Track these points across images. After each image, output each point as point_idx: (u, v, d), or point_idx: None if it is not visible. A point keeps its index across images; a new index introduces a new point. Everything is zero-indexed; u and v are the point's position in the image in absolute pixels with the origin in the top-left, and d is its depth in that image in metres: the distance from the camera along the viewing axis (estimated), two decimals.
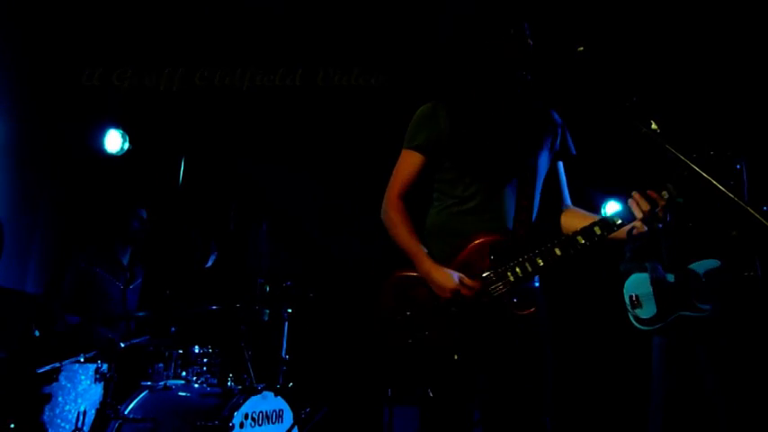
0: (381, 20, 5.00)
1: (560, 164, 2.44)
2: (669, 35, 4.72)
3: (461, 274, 2.12)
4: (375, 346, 2.30)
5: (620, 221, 2.05)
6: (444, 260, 2.20)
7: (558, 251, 2.07)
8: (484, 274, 2.12)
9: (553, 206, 2.42)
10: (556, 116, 2.42)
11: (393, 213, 2.32)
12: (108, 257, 4.40)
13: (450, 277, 2.11)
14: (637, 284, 4.11)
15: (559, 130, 2.41)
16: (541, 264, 2.09)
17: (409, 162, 2.36)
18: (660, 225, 2.01)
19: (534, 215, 2.29)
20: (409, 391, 4.10)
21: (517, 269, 2.10)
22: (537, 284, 2.22)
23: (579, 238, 2.07)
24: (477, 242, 2.18)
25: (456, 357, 2.09)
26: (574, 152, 2.43)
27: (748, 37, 4.60)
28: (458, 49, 2.38)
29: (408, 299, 2.23)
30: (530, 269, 2.09)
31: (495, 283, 2.11)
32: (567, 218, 2.38)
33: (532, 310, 2.10)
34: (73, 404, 3.51)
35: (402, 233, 2.27)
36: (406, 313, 2.21)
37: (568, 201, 2.46)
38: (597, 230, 2.06)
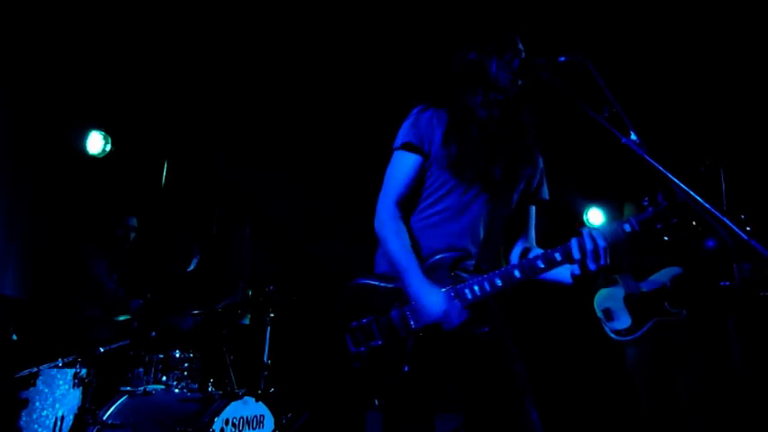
0: (369, 23, 5.01)
1: (533, 208, 2.38)
2: (650, 45, 4.78)
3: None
4: (334, 355, 2.25)
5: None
6: None
7: (516, 273, 2.02)
8: (442, 289, 2.04)
9: (516, 245, 2.35)
10: (539, 159, 2.35)
11: (388, 222, 2.14)
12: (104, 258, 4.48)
13: (441, 307, 2.00)
14: (607, 298, 4.19)
15: (539, 174, 2.34)
16: (500, 284, 2.02)
17: (404, 163, 2.18)
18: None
19: (501, 243, 2.26)
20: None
21: (475, 287, 2.03)
22: (492, 303, 2.15)
23: (539, 262, 2.01)
24: (439, 257, 2.11)
25: (406, 369, 2.03)
26: (547, 198, 2.36)
27: (728, 45, 4.68)
28: (450, 57, 2.30)
29: (364, 307, 2.14)
30: (488, 288, 2.03)
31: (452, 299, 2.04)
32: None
33: (486, 329, 2.04)
34: (50, 409, 3.48)
35: (396, 244, 2.09)
36: (360, 321, 2.13)
37: (534, 243, 2.37)
38: (558, 256, 2.00)
